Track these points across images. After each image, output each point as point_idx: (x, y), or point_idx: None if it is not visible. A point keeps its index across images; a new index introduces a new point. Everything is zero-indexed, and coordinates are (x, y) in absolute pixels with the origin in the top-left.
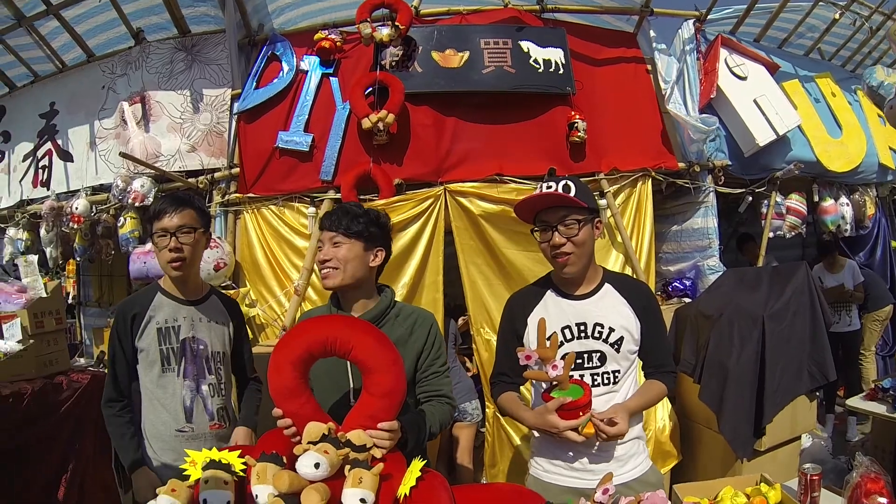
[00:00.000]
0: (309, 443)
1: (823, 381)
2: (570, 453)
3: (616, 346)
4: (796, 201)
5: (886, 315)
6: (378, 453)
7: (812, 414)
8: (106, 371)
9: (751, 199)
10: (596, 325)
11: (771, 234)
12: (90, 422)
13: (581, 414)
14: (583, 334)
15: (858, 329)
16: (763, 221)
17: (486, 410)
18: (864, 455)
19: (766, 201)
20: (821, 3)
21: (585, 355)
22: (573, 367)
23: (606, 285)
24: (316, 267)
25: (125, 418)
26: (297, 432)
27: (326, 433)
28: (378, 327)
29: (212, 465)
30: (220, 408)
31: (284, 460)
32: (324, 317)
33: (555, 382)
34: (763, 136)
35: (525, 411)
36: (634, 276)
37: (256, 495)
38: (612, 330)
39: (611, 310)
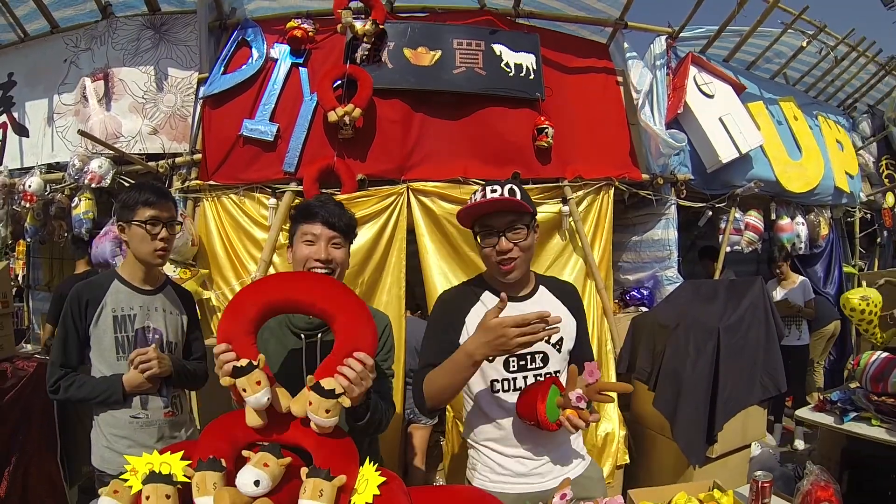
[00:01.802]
0: (234, 370)
1: (775, 391)
2: (516, 458)
3: (557, 347)
4: (754, 218)
5: (829, 332)
6: (347, 402)
7: (762, 423)
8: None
9: (710, 213)
10: None
11: (728, 249)
12: (36, 412)
13: (536, 414)
14: None
15: (807, 344)
16: (721, 236)
17: (445, 414)
18: (813, 464)
19: (725, 216)
20: (789, 31)
21: (528, 356)
22: (517, 369)
23: (541, 287)
24: (297, 263)
25: (84, 378)
26: (235, 358)
27: (256, 364)
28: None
29: (152, 477)
30: (174, 395)
31: (224, 463)
32: (290, 273)
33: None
34: (726, 154)
35: (458, 352)
36: (566, 281)
37: None
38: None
39: (550, 311)
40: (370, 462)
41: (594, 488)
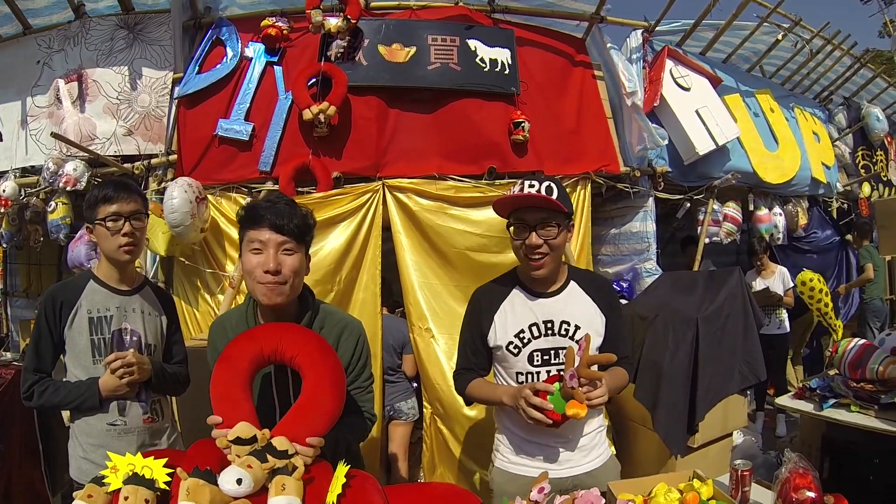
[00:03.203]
0: (237, 438)
1: (755, 380)
2: (537, 444)
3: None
4: (732, 209)
5: (805, 321)
6: (300, 462)
7: (743, 412)
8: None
9: (689, 205)
10: (563, 322)
11: (707, 240)
12: (16, 420)
13: (551, 422)
14: (549, 332)
15: (787, 332)
16: (700, 227)
17: (424, 411)
18: (792, 451)
19: (703, 208)
20: (765, 24)
21: (552, 352)
22: (541, 363)
23: (572, 283)
24: (246, 275)
25: (58, 383)
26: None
27: (257, 436)
28: None
29: (134, 479)
30: (153, 401)
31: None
32: (271, 325)
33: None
34: (703, 146)
35: (500, 387)
36: (600, 276)
37: None
38: (577, 327)
39: (577, 308)
40: (344, 464)
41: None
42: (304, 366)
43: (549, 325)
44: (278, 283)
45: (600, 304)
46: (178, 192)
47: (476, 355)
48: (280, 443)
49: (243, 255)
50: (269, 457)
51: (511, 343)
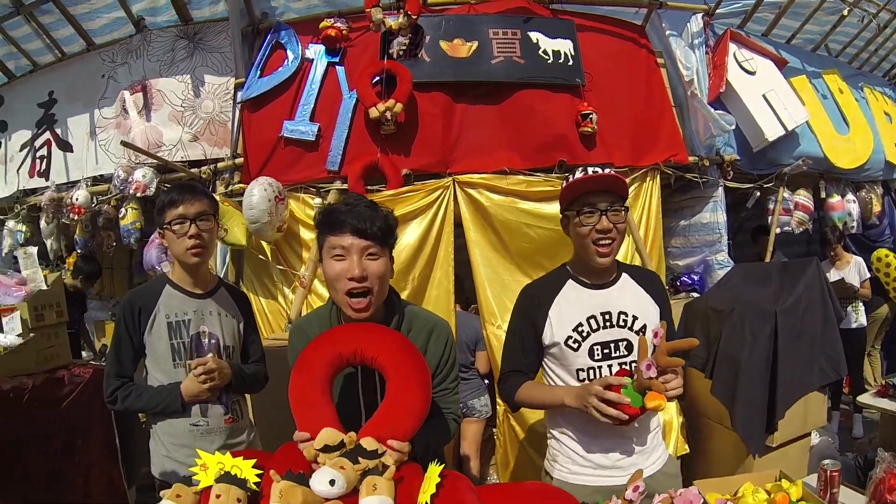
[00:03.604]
0: (325, 446)
1: (835, 376)
2: (601, 449)
3: (641, 334)
4: (804, 197)
5: (881, 315)
6: (389, 460)
7: (822, 410)
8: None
9: (758, 194)
10: (620, 313)
11: (778, 230)
12: (95, 417)
13: (628, 417)
14: (608, 323)
15: (865, 327)
16: (770, 217)
17: (497, 408)
18: (884, 451)
19: (773, 197)
20: (828, 1)
21: (612, 344)
22: (602, 358)
23: (624, 275)
24: (329, 283)
25: (140, 388)
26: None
27: (344, 441)
28: None
29: (226, 478)
30: (233, 401)
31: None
32: (349, 326)
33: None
34: (772, 131)
35: (558, 388)
36: (648, 269)
37: None
38: (635, 318)
39: (631, 298)
40: (437, 463)
41: (671, 485)
42: (386, 366)
43: (607, 316)
44: (364, 291)
45: (654, 295)
46: (258, 190)
47: (527, 356)
48: (368, 443)
49: (325, 262)
50: (359, 458)
51: (570, 338)
